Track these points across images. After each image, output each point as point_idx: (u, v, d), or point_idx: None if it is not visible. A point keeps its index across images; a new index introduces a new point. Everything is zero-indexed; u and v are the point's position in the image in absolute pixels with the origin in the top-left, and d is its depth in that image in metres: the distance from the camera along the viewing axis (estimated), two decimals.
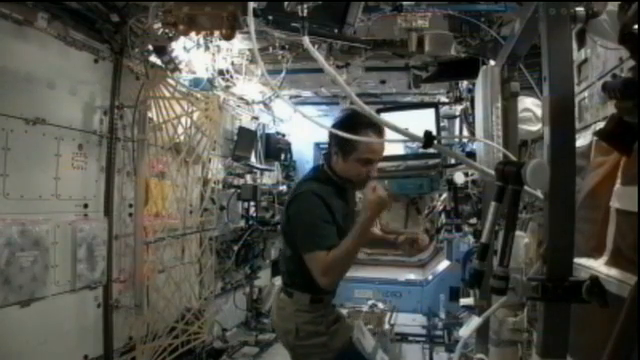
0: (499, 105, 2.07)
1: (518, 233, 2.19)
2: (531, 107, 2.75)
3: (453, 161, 4.49)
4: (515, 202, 1.36)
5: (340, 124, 2.13)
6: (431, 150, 1.70)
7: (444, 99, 5.28)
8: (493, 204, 1.42)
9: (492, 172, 1.61)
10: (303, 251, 2.05)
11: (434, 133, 1.50)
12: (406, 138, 1.56)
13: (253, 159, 5.58)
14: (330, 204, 2.10)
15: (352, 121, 2.10)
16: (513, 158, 1.84)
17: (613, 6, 1.32)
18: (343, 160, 2.17)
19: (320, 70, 1.62)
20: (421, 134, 1.51)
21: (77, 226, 3.00)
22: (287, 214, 2.18)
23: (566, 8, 1.33)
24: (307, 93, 5.61)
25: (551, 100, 1.31)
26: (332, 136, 2.20)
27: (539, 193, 1.55)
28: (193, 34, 3.15)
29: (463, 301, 3.83)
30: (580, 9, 1.41)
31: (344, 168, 2.19)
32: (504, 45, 2.27)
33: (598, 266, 1.67)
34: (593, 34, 1.54)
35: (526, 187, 1.35)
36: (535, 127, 2.75)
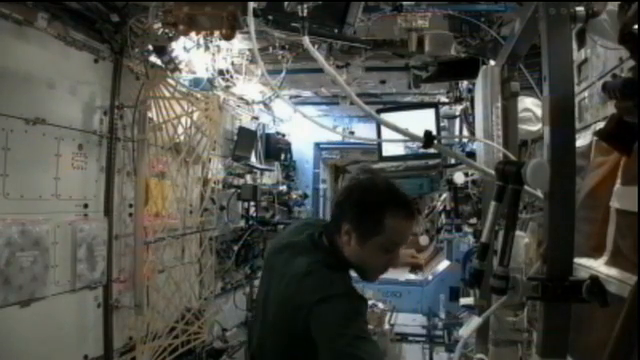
0: (499, 105, 2.07)
1: (518, 233, 2.19)
2: (531, 107, 2.75)
3: (453, 161, 4.50)
4: (515, 202, 1.36)
5: (361, 197, 1.61)
6: (431, 150, 1.70)
7: (444, 99, 5.28)
8: (493, 204, 1.42)
9: (492, 172, 1.61)
10: None
11: (434, 133, 1.50)
12: (406, 138, 1.56)
13: (253, 159, 5.58)
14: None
15: (380, 197, 1.58)
16: (513, 158, 1.84)
17: (613, 6, 1.32)
18: (359, 244, 1.59)
19: (320, 70, 1.62)
20: (421, 134, 1.51)
21: (77, 226, 3.00)
22: (306, 322, 1.47)
23: (566, 8, 1.33)
24: (307, 93, 5.61)
25: (551, 100, 1.31)
26: (344, 208, 1.63)
27: (539, 193, 1.55)
28: (193, 34, 3.15)
29: (463, 301, 3.83)
30: (580, 9, 1.41)
31: (358, 254, 1.60)
32: (504, 45, 2.27)
33: (598, 266, 1.67)
34: (593, 34, 1.54)
35: (526, 187, 1.35)
36: (535, 127, 2.75)
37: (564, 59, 1.34)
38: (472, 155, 3.18)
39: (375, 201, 1.57)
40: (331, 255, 1.63)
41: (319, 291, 1.49)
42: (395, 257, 1.64)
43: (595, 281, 1.24)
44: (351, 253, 1.62)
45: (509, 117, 2.15)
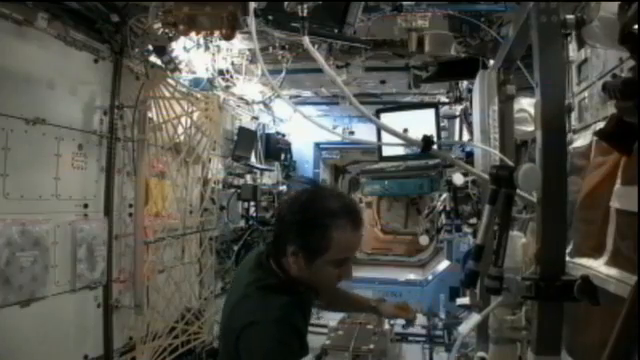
0: (495, 108, 2.07)
1: (515, 233, 2.19)
2: (526, 108, 2.75)
3: None
4: (508, 205, 1.38)
5: (303, 216, 1.47)
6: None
7: (444, 99, 5.29)
8: (487, 207, 1.44)
9: (487, 177, 1.63)
10: None
11: (434, 133, 1.50)
12: (404, 142, 1.55)
13: (253, 159, 5.58)
14: (304, 337, 1.52)
15: (323, 212, 1.46)
16: (509, 162, 1.84)
17: (604, 12, 1.32)
18: (307, 263, 1.47)
19: (320, 70, 1.61)
20: (421, 135, 1.51)
21: (77, 226, 3.00)
22: (236, 345, 1.43)
23: (557, 16, 1.33)
24: (307, 93, 5.62)
25: (543, 105, 1.33)
26: (286, 228, 1.51)
27: (533, 197, 1.56)
28: (193, 34, 3.15)
29: (459, 301, 3.84)
30: (570, 17, 1.41)
31: (308, 273, 1.50)
32: (500, 49, 2.27)
33: (598, 266, 1.67)
34: (587, 39, 1.54)
35: (521, 191, 1.37)
36: (530, 127, 2.74)
37: (555, 66, 1.35)
38: (472, 155, 3.18)
39: (318, 218, 1.45)
40: (273, 275, 1.53)
41: (249, 315, 1.42)
42: (347, 269, 1.52)
43: (586, 281, 1.26)
44: (300, 274, 1.50)
45: (505, 120, 2.15)
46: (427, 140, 1.48)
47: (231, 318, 1.51)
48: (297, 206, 1.49)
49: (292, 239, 1.48)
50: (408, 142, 1.56)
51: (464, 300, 3.43)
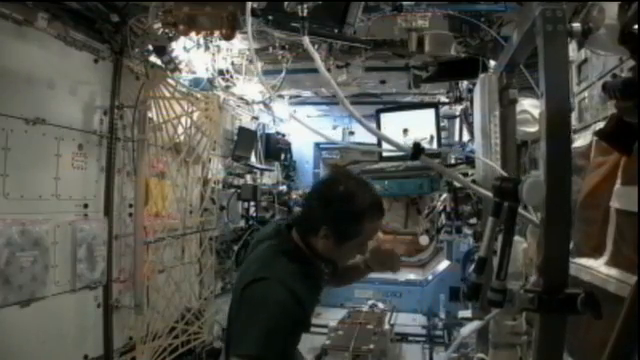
0: (497, 113, 2.06)
1: (517, 238, 2.19)
2: (528, 109, 2.75)
3: (453, 161, 4.49)
4: (512, 218, 1.36)
5: (341, 206, 1.61)
6: (432, 149, 1.68)
7: (444, 99, 5.28)
8: (490, 219, 1.43)
9: (481, 189, 1.64)
10: (235, 349, 1.47)
11: (434, 133, 1.50)
12: (395, 147, 1.53)
13: (253, 159, 5.58)
14: (307, 309, 1.59)
15: (360, 206, 1.62)
16: (506, 175, 1.83)
17: (609, 20, 1.32)
18: (337, 244, 1.64)
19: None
20: (420, 135, 1.50)
21: (77, 226, 3.00)
22: (240, 299, 1.55)
23: (563, 25, 1.32)
24: (307, 93, 5.61)
25: (548, 116, 1.31)
26: (320, 213, 1.64)
27: (534, 217, 1.55)
28: (193, 34, 3.15)
29: (461, 314, 3.85)
30: (577, 25, 1.40)
31: (334, 252, 1.67)
32: (502, 53, 2.26)
33: (598, 266, 1.68)
34: (592, 47, 1.54)
35: (522, 211, 1.36)
36: (532, 128, 2.75)
37: (561, 76, 1.33)
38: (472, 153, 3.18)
39: (355, 211, 1.62)
40: (290, 243, 1.68)
41: (259, 271, 1.55)
42: (365, 248, 1.78)
43: (589, 294, 1.25)
44: (325, 250, 1.66)
45: (507, 124, 2.14)
46: (417, 148, 1.45)
47: (243, 276, 1.62)
48: (338, 198, 1.63)
49: (328, 224, 1.63)
50: (399, 148, 1.53)
51: (466, 313, 3.43)
